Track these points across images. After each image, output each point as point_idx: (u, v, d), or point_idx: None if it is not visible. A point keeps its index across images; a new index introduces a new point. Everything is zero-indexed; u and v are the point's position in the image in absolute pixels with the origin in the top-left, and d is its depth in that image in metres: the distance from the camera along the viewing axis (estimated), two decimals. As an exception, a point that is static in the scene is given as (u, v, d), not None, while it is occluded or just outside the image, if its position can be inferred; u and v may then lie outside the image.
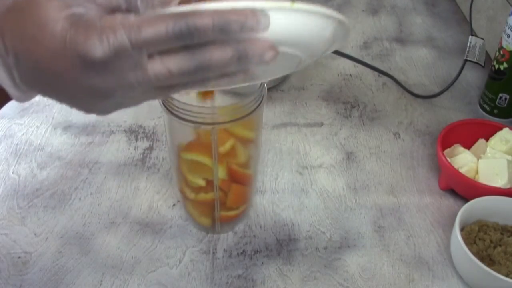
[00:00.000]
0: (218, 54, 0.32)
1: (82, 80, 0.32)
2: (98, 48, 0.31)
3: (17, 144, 0.75)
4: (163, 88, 0.34)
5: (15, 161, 0.73)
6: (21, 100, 0.37)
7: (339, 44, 0.40)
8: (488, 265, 0.55)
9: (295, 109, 0.83)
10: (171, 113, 0.53)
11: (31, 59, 0.33)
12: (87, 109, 0.36)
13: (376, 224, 0.65)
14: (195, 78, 0.34)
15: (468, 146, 0.71)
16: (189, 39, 0.31)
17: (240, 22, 0.31)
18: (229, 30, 0.31)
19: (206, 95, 0.56)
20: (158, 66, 0.32)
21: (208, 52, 0.32)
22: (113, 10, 0.34)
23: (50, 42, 0.31)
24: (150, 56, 0.32)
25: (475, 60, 0.82)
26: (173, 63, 0.32)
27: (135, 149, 0.75)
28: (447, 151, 0.70)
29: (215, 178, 0.57)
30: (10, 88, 0.35)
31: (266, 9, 0.32)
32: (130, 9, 0.35)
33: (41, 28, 0.32)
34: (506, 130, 0.70)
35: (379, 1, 1.11)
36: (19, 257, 0.60)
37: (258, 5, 0.31)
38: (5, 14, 0.33)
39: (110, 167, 0.72)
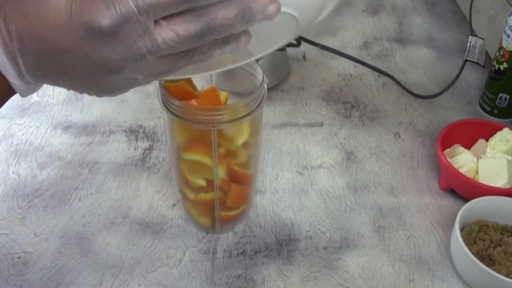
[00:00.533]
0: (223, 13, 0.33)
1: (91, 53, 0.32)
2: (105, 15, 0.30)
3: (17, 144, 0.75)
4: (173, 59, 0.34)
5: (15, 161, 0.73)
6: (23, 93, 0.37)
7: (333, 3, 0.40)
8: (488, 265, 0.55)
9: (295, 109, 0.83)
10: (171, 112, 0.53)
11: (36, 38, 0.32)
12: (98, 90, 0.36)
13: (376, 224, 0.65)
14: (202, 42, 0.34)
15: (468, 146, 0.71)
16: (193, 0, 0.32)
17: None
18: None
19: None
20: (165, 31, 0.32)
21: (213, 11, 0.33)
22: None
23: (55, 16, 0.31)
24: (157, 22, 0.32)
25: (475, 60, 0.82)
26: (179, 26, 0.32)
27: (135, 149, 0.75)
28: (447, 151, 0.70)
29: (215, 178, 0.57)
30: (13, 79, 0.34)
31: None
32: None
33: (45, 3, 0.31)
34: (506, 130, 0.70)
35: (379, 1, 1.11)
36: (19, 257, 0.60)
37: None
38: None
39: (110, 167, 0.72)
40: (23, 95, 0.37)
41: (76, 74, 0.34)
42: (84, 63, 0.33)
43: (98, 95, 0.37)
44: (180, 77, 0.49)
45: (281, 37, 0.43)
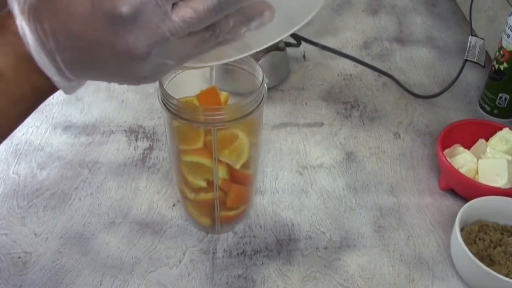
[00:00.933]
0: None
1: (117, 41, 0.33)
2: (125, 2, 0.32)
3: (17, 144, 0.75)
4: (199, 40, 0.35)
5: (15, 161, 0.73)
6: (66, 90, 0.38)
7: None
8: (488, 265, 0.55)
9: (295, 109, 0.83)
10: (171, 112, 0.53)
11: (68, 34, 0.34)
12: (134, 79, 0.37)
13: (376, 224, 0.65)
14: (222, 14, 0.34)
15: (468, 146, 0.71)
16: None
17: None
18: None
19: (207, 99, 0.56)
20: (183, 10, 0.33)
21: None
22: None
23: (81, 9, 0.32)
24: (175, 4, 0.33)
25: (475, 60, 0.82)
26: (196, 2, 0.33)
27: (135, 149, 0.75)
28: (447, 151, 0.70)
29: (215, 178, 0.57)
30: (55, 76, 0.36)
31: None
32: None
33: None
34: (506, 130, 0.70)
35: (379, 1, 1.11)
36: (19, 257, 0.60)
37: None
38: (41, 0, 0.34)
39: (110, 167, 0.72)
40: (67, 92, 0.38)
41: (108, 66, 0.35)
42: (113, 52, 0.34)
43: (137, 83, 0.38)
44: (210, 63, 0.48)
45: (308, 10, 0.42)
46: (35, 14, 0.34)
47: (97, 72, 0.36)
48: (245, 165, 0.59)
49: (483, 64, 0.83)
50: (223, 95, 0.58)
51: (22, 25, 0.34)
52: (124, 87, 0.86)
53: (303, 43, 0.87)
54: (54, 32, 0.34)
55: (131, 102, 0.83)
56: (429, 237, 0.64)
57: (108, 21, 0.32)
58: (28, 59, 0.34)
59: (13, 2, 0.34)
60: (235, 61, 0.57)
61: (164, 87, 0.54)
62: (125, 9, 0.32)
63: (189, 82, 0.57)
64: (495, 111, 0.80)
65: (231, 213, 0.62)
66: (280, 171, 0.72)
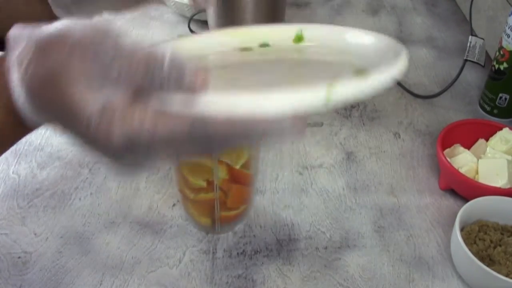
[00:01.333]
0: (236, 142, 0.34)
1: (105, 158, 0.36)
2: (117, 138, 0.34)
3: (17, 144, 0.75)
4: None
5: (15, 161, 0.73)
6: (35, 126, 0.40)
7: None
8: (488, 265, 0.55)
9: (295, 109, 0.83)
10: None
11: (55, 124, 0.36)
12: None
13: (376, 224, 0.65)
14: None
15: (468, 146, 0.71)
16: (203, 139, 0.34)
17: (262, 129, 0.32)
18: (250, 137, 0.33)
19: None
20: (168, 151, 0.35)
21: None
22: (141, 90, 0.35)
23: (80, 125, 0.34)
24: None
25: (475, 60, 0.82)
26: (182, 148, 0.35)
27: (135, 149, 0.75)
28: (447, 151, 0.70)
29: (215, 178, 0.57)
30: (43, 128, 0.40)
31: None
32: (161, 88, 0.35)
33: (73, 112, 0.34)
34: (506, 130, 0.70)
35: (379, 1, 1.11)
36: (19, 257, 0.60)
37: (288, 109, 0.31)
38: (36, 80, 0.35)
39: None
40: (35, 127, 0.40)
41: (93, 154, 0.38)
42: (100, 157, 0.37)
43: None
44: None
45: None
46: (31, 92, 0.35)
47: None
48: (245, 165, 0.59)
49: (483, 64, 0.83)
50: None
51: (19, 91, 0.35)
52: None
53: (303, 43, 0.87)
54: (45, 115, 0.36)
55: (131, 102, 0.83)
56: (429, 237, 0.64)
57: (98, 146, 0.35)
58: (18, 113, 0.37)
59: (14, 66, 0.35)
60: None
61: (164, 87, 0.53)
62: (115, 144, 0.34)
63: None
64: (495, 111, 0.80)
65: (231, 213, 0.62)
66: (280, 171, 0.72)
